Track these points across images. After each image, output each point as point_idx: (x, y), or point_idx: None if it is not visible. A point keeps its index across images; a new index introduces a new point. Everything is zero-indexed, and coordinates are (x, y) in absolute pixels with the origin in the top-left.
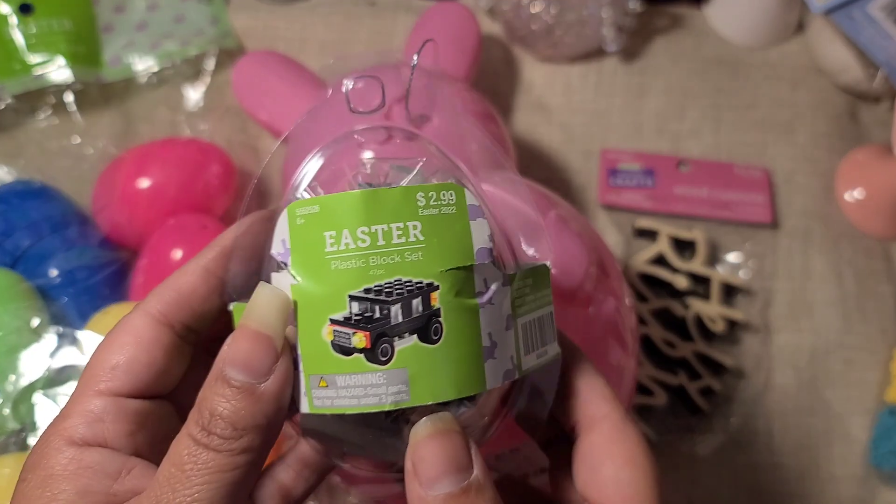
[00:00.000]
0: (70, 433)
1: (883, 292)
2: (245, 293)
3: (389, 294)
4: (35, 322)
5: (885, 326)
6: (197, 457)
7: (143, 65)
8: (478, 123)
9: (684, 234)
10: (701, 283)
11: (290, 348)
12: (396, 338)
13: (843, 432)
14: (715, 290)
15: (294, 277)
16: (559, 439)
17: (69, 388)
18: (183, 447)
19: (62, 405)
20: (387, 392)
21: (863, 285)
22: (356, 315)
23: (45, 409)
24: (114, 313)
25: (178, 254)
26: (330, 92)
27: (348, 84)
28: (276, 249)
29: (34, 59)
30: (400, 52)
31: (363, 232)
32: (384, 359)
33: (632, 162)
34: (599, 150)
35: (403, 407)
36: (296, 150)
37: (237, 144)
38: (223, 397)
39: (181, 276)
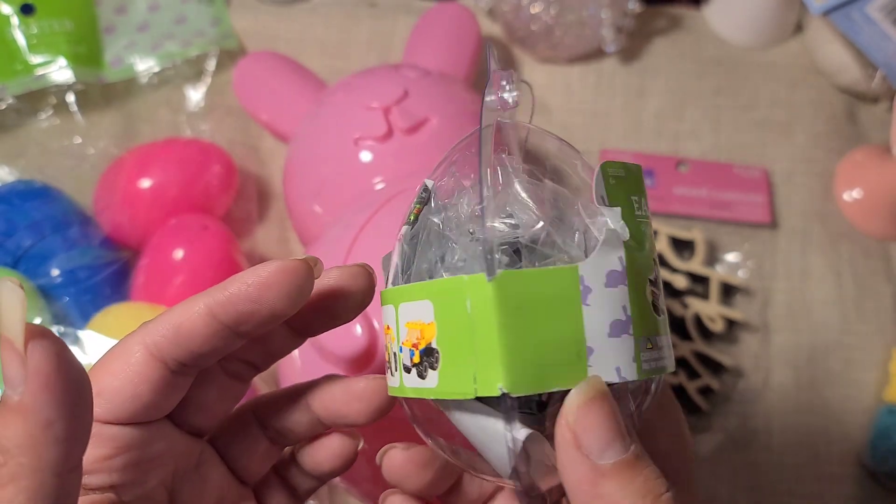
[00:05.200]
0: None
1: (882, 292)
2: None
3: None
4: (37, 322)
5: (884, 326)
6: None
7: (145, 65)
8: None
9: (683, 234)
10: (700, 283)
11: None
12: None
13: (842, 431)
14: (714, 289)
15: (626, 232)
16: None
17: None
18: None
19: None
20: (670, 355)
21: (861, 285)
22: (655, 277)
23: None
24: (115, 313)
25: (179, 253)
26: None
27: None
28: (599, 203)
29: (36, 59)
30: (400, 52)
31: (644, 200)
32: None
33: (631, 162)
34: (599, 151)
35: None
36: (297, 150)
37: (238, 145)
38: None
39: (184, 314)
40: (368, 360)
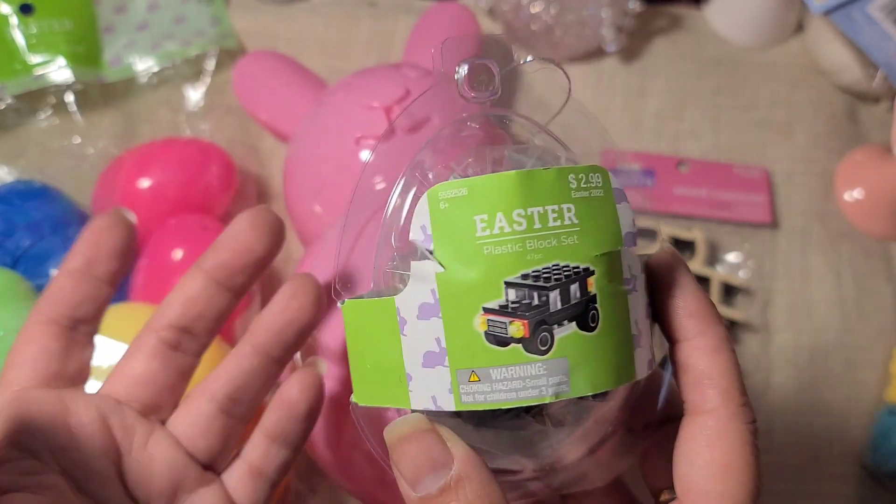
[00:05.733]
0: None
1: (882, 292)
2: (355, 288)
3: (548, 279)
4: None
5: (885, 326)
6: None
7: (144, 65)
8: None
9: (684, 234)
10: (700, 283)
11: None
12: (555, 326)
13: (843, 432)
14: (714, 289)
15: (440, 265)
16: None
17: None
18: None
19: None
20: (547, 384)
21: (862, 285)
22: (513, 302)
23: None
24: (114, 313)
25: (178, 254)
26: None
27: (461, 70)
28: (415, 236)
29: (35, 59)
30: (400, 52)
31: (519, 214)
32: (544, 348)
33: (632, 162)
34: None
35: (564, 398)
36: (297, 150)
37: (238, 144)
38: None
39: (130, 362)
40: None
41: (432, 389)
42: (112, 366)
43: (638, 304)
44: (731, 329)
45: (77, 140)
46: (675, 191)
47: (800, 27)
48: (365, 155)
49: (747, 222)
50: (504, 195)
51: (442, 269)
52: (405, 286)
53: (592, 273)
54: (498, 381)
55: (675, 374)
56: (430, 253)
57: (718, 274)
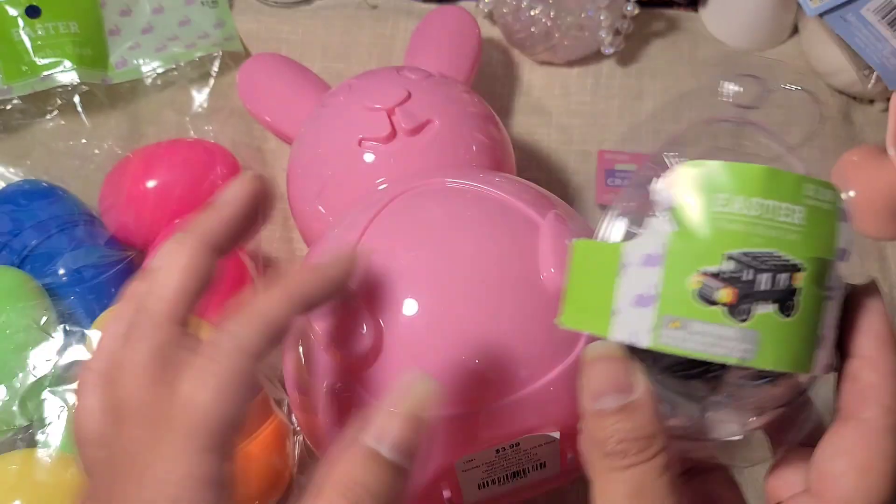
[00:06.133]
0: None
1: None
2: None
3: (764, 262)
4: (43, 320)
5: None
6: None
7: (149, 67)
8: (478, 125)
9: None
10: None
11: None
12: (758, 302)
13: None
14: None
15: (674, 223)
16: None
17: (76, 385)
18: None
19: (70, 402)
20: (736, 348)
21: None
22: (728, 272)
23: (53, 406)
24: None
25: None
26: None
27: (730, 87)
28: (658, 195)
29: (41, 61)
30: (401, 55)
31: (757, 203)
32: (742, 318)
33: (628, 163)
34: (597, 152)
35: (747, 365)
36: (300, 151)
37: (242, 145)
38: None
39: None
40: (374, 357)
41: (634, 326)
42: None
43: (831, 312)
44: None
45: (83, 141)
46: None
47: (795, 29)
48: (367, 156)
49: None
50: (749, 183)
51: (677, 229)
52: (634, 237)
53: (802, 270)
54: (695, 333)
55: (839, 384)
56: (668, 211)
57: None
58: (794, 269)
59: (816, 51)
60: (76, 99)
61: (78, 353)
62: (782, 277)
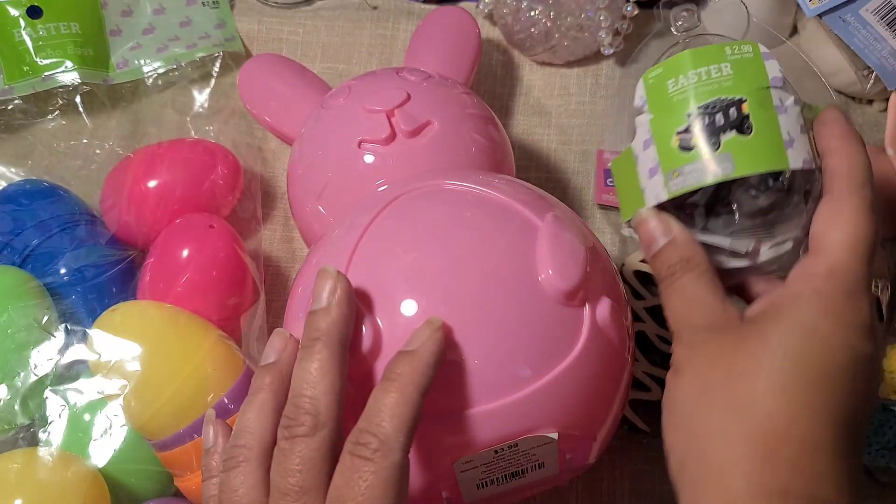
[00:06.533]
0: None
1: (874, 290)
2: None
3: (714, 107)
4: (44, 319)
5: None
6: None
7: (150, 67)
8: (477, 126)
9: None
10: None
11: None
12: (721, 133)
13: None
14: None
15: (650, 113)
16: None
17: (78, 384)
18: None
19: (71, 401)
20: (718, 169)
21: None
22: (692, 125)
23: (55, 405)
24: (122, 311)
25: (184, 252)
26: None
27: (677, 15)
28: (637, 102)
29: (43, 61)
30: (402, 55)
31: (693, 73)
32: (715, 148)
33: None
34: (596, 151)
35: (733, 177)
36: (300, 152)
37: (243, 145)
38: None
39: None
40: (373, 359)
41: (655, 190)
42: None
43: (789, 122)
44: None
45: (84, 141)
46: None
47: (794, 30)
48: (367, 158)
49: None
50: (683, 65)
51: (652, 116)
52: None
53: (744, 101)
54: (689, 173)
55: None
56: (645, 108)
57: None
58: (739, 102)
59: (815, 51)
60: (77, 99)
61: (79, 352)
62: (732, 111)
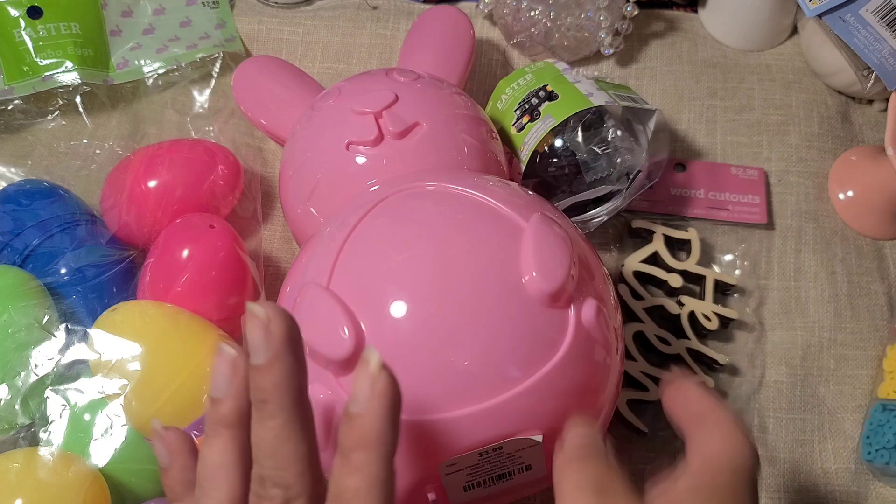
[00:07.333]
0: None
1: (875, 290)
2: None
3: (527, 99)
4: (44, 319)
5: (877, 324)
6: None
7: (150, 68)
8: (467, 127)
9: (679, 233)
10: (695, 282)
11: None
12: (539, 106)
13: (836, 428)
14: (709, 288)
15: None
16: None
17: (79, 383)
18: None
19: (72, 400)
20: (545, 125)
21: (855, 283)
22: (519, 112)
23: (55, 405)
24: (122, 311)
25: (185, 252)
26: None
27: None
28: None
29: (43, 61)
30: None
31: (509, 89)
32: (538, 116)
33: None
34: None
35: (557, 125)
36: (291, 153)
37: (243, 146)
38: None
39: None
40: (355, 362)
41: (522, 168)
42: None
43: (586, 86)
44: (726, 327)
45: (84, 141)
46: (671, 192)
47: (794, 30)
48: (356, 160)
49: (744, 223)
50: (503, 87)
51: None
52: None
53: (547, 85)
54: (527, 142)
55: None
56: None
57: (713, 272)
58: (544, 87)
59: (815, 51)
60: (77, 99)
61: (79, 351)
62: (541, 93)
